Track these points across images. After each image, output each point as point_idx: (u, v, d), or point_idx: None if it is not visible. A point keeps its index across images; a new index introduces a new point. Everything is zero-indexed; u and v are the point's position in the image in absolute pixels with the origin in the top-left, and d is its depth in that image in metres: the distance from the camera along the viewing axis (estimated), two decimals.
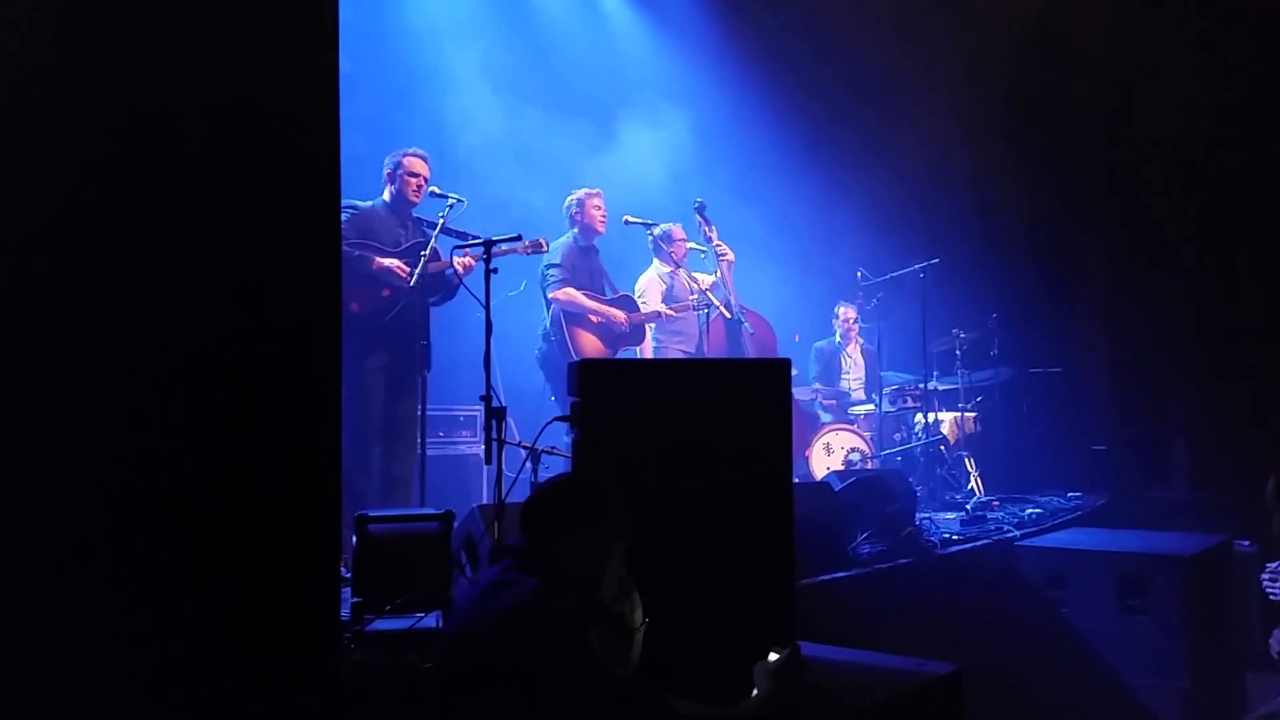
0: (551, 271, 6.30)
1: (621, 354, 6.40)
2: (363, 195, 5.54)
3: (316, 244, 2.87)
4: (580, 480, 3.04)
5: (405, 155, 5.53)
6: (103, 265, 2.50)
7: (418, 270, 5.26)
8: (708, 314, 6.54)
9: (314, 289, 2.85)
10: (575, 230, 6.48)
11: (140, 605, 2.49)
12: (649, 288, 6.86)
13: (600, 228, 6.48)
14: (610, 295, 6.50)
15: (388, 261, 5.31)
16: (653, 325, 6.70)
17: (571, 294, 6.26)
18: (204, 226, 2.64)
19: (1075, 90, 8.61)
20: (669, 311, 6.60)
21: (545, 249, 5.81)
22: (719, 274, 6.84)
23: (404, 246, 5.42)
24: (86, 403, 2.46)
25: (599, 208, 6.47)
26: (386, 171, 5.55)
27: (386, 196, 5.55)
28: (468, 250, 5.12)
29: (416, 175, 5.52)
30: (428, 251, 5.31)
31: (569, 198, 6.53)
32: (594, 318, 6.30)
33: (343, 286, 4.50)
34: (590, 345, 6.23)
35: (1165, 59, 8.05)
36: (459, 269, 5.27)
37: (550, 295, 6.29)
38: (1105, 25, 8.26)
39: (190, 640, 2.54)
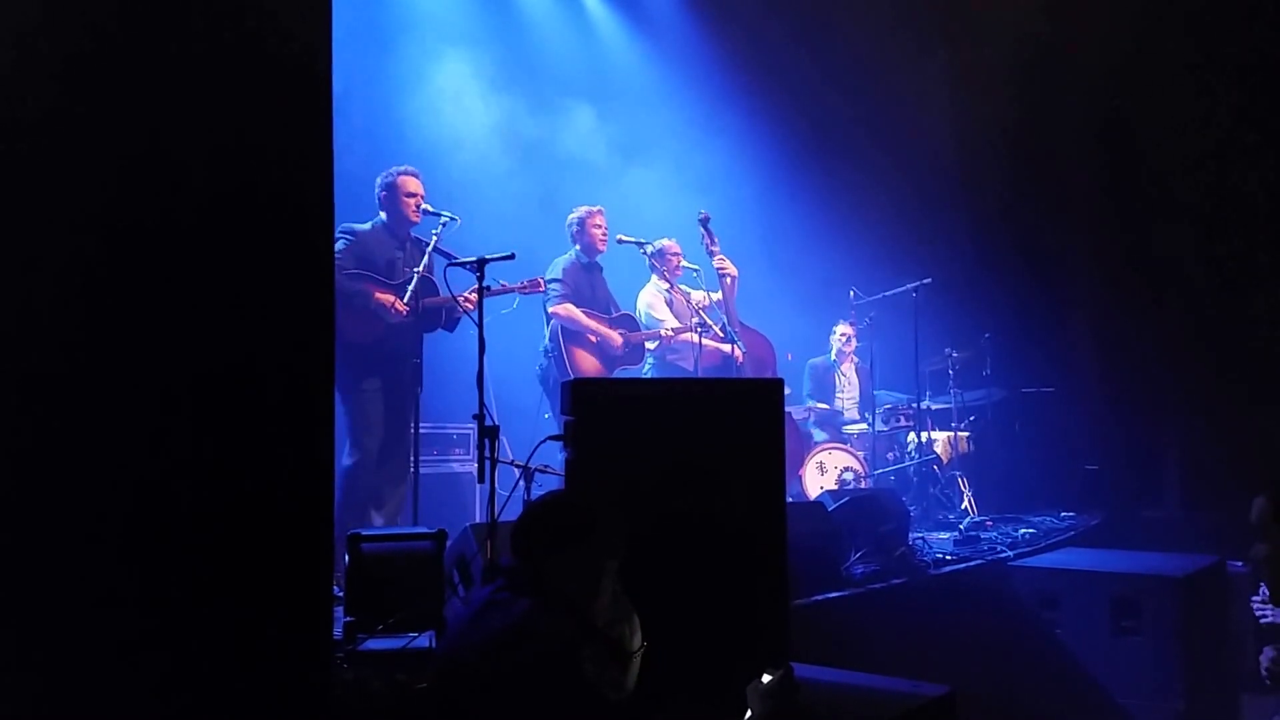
0: (553, 286, 6.31)
1: (619, 374, 6.40)
2: (355, 214, 5.45)
3: (310, 266, 2.87)
4: (570, 498, 3.01)
5: (399, 175, 5.43)
6: (101, 284, 2.51)
7: (410, 289, 5.24)
8: (701, 333, 6.54)
9: (308, 311, 2.85)
10: (577, 248, 6.49)
11: (132, 622, 2.48)
12: (655, 302, 6.85)
13: (601, 246, 6.48)
14: (614, 314, 6.51)
15: (385, 297, 5.24)
16: (654, 344, 6.70)
17: (570, 310, 6.26)
18: (199, 247, 2.65)
19: (1070, 108, 8.65)
20: (669, 333, 6.59)
21: (542, 288, 5.84)
22: (721, 291, 6.84)
23: (403, 277, 5.34)
24: (82, 421, 2.46)
25: (599, 226, 6.47)
26: (380, 194, 5.45)
27: (383, 217, 5.47)
28: (475, 288, 5.07)
29: (414, 195, 5.42)
30: (420, 268, 5.29)
31: (570, 216, 6.54)
32: (592, 337, 6.30)
33: (342, 319, 4.53)
34: (588, 365, 6.23)
35: (1162, 77, 8.09)
36: (466, 307, 5.16)
37: (550, 309, 6.29)
38: (1101, 44, 8.29)
39: (182, 658, 2.53)
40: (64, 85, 2.49)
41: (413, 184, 5.45)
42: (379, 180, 5.49)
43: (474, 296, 5.04)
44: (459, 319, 5.37)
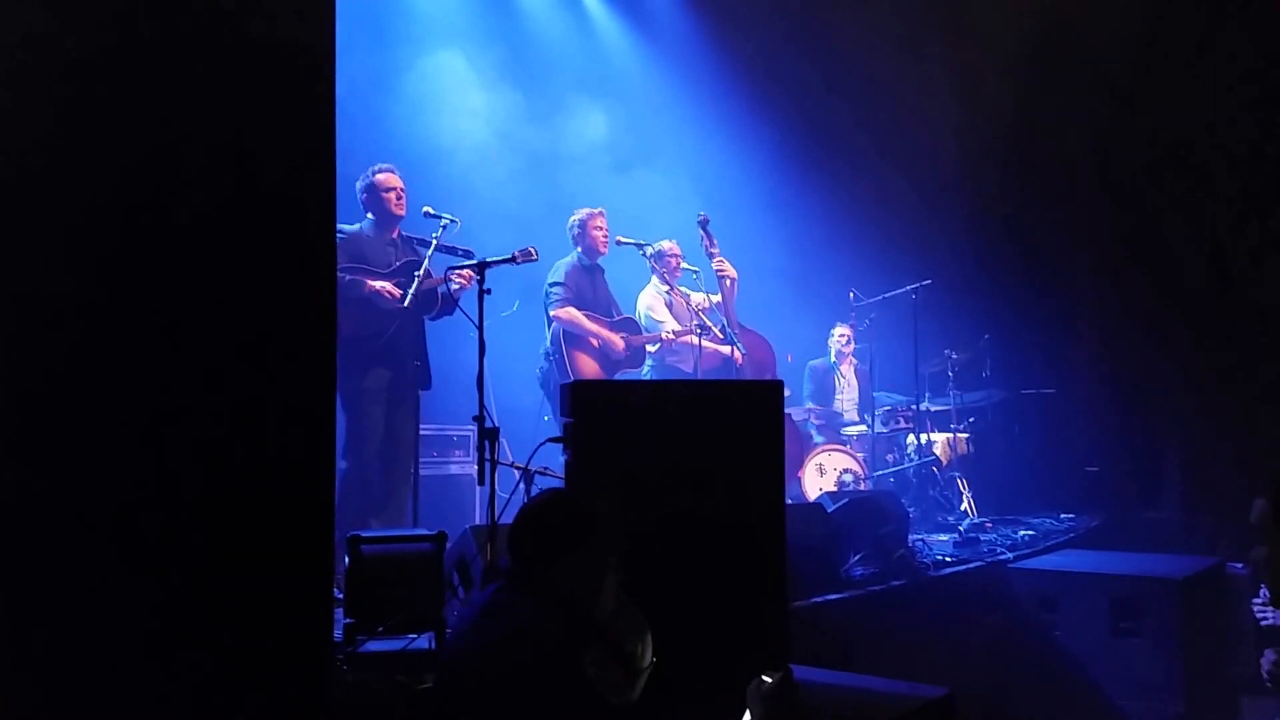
0: (555, 290, 6.31)
1: (619, 377, 6.39)
2: (347, 219, 5.45)
3: (312, 266, 2.88)
4: (565, 499, 2.93)
5: (375, 174, 5.47)
6: (110, 285, 2.52)
7: (411, 290, 5.25)
8: (701, 336, 6.54)
9: (309, 311, 2.86)
10: (579, 250, 6.49)
11: (132, 624, 2.49)
12: (655, 304, 6.85)
13: (603, 248, 6.49)
14: (616, 317, 6.51)
15: (379, 284, 5.27)
16: (655, 346, 6.70)
17: (573, 314, 6.26)
18: (201, 247, 2.66)
19: (1070, 109, 8.65)
20: (670, 335, 6.60)
21: (535, 257, 5.79)
22: (720, 293, 6.84)
23: (395, 267, 5.39)
24: (83, 421, 2.47)
25: (600, 228, 6.47)
26: (362, 196, 5.48)
27: (371, 218, 5.50)
28: (468, 269, 5.08)
29: (392, 188, 5.46)
30: (421, 271, 5.30)
31: (571, 218, 6.54)
32: (594, 341, 6.30)
33: (339, 314, 4.53)
34: (588, 369, 6.23)
35: (1162, 79, 8.10)
36: (460, 282, 5.19)
37: (552, 313, 6.29)
38: (1100, 42, 8.30)
39: (182, 659, 2.54)
40: (68, 87, 2.49)
41: (390, 179, 5.49)
42: (358, 184, 5.51)
43: (466, 272, 5.05)
44: (455, 302, 5.36)
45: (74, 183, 2.49)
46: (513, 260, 5.05)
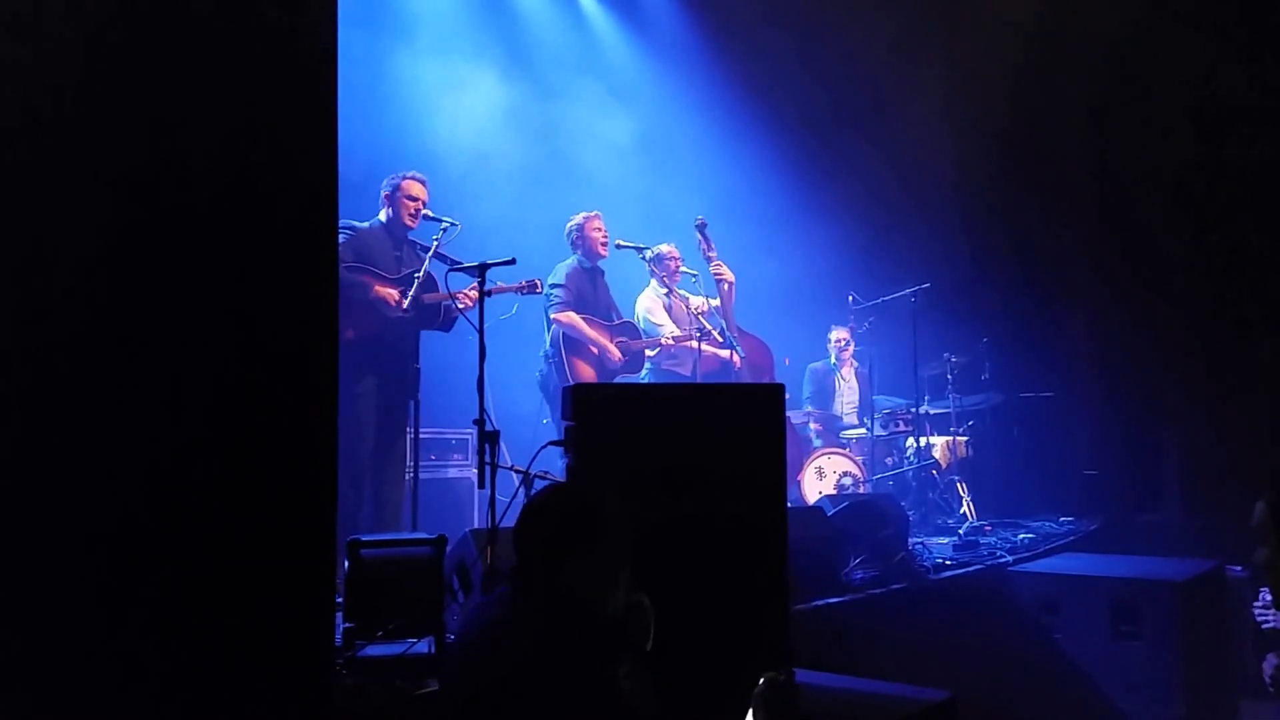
0: (555, 292, 6.32)
1: (618, 380, 6.39)
2: (357, 218, 5.50)
3: (314, 269, 2.88)
4: (571, 494, 2.81)
5: (404, 178, 5.48)
6: (108, 284, 2.52)
7: (411, 293, 5.24)
8: (701, 339, 6.54)
9: (311, 311, 2.85)
10: (578, 253, 6.49)
11: (133, 627, 2.48)
12: (654, 308, 6.86)
13: (602, 250, 6.49)
14: (616, 320, 6.51)
15: (384, 291, 5.26)
16: (654, 350, 6.69)
17: (573, 318, 6.27)
18: (205, 248, 2.65)
19: (1066, 113, 8.66)
20: (669, 340, 6.60)
21: (539, 290, 5.84)
22: (719, 296, 6.85)
23: (402, 274, 5.36)
24: (85, 421, 2.46)
25: (599, 230, 6.48)
26: (385, 194, 5.50)
27: (383, 218, 5.51)
28: (474, 285, 5.07)
29: (415, 199, 5.46)
30: (421, 274, 5.30)
31: (569, 222, 6.55)
32: (593, 349, 6.30)
33: (340, 313, 4.51)
34: (587, 375, 6.22)
35: (1157, 82, 8.11)
36: (463, 304, 5.20)
37: (552, 316, 6.30)
38: (1097, 48, 8.32)
39: (182, 663, 2.53)
40: (71, 84, 2.49)
41: (415, 189, 5.49)
42: (386, 180, 5.54)
43: (472, 294, 5.06)
44: (455, 319, 5.37)
45: (73, 180, 2.48)
46: (513, 262, 5.04)
